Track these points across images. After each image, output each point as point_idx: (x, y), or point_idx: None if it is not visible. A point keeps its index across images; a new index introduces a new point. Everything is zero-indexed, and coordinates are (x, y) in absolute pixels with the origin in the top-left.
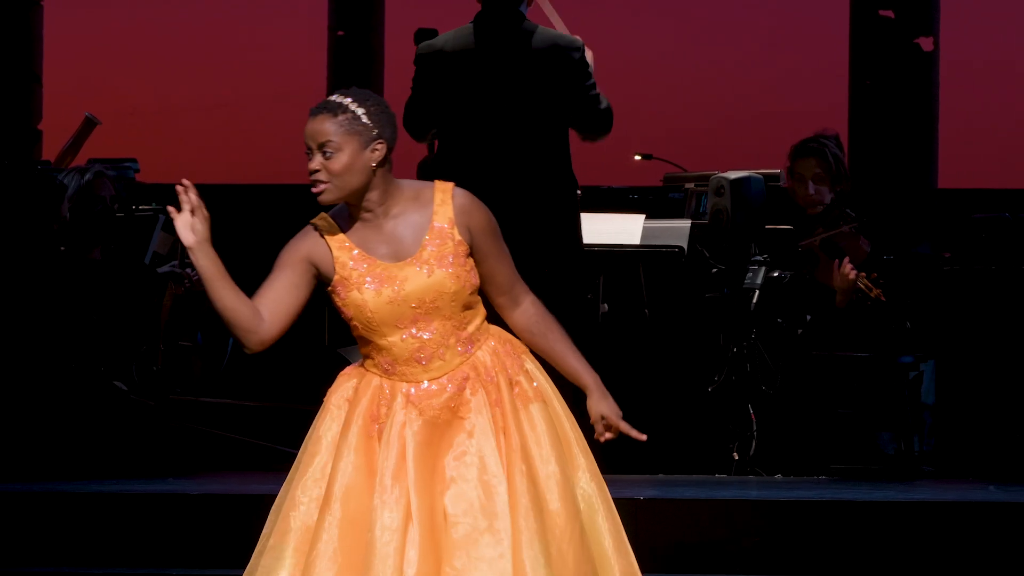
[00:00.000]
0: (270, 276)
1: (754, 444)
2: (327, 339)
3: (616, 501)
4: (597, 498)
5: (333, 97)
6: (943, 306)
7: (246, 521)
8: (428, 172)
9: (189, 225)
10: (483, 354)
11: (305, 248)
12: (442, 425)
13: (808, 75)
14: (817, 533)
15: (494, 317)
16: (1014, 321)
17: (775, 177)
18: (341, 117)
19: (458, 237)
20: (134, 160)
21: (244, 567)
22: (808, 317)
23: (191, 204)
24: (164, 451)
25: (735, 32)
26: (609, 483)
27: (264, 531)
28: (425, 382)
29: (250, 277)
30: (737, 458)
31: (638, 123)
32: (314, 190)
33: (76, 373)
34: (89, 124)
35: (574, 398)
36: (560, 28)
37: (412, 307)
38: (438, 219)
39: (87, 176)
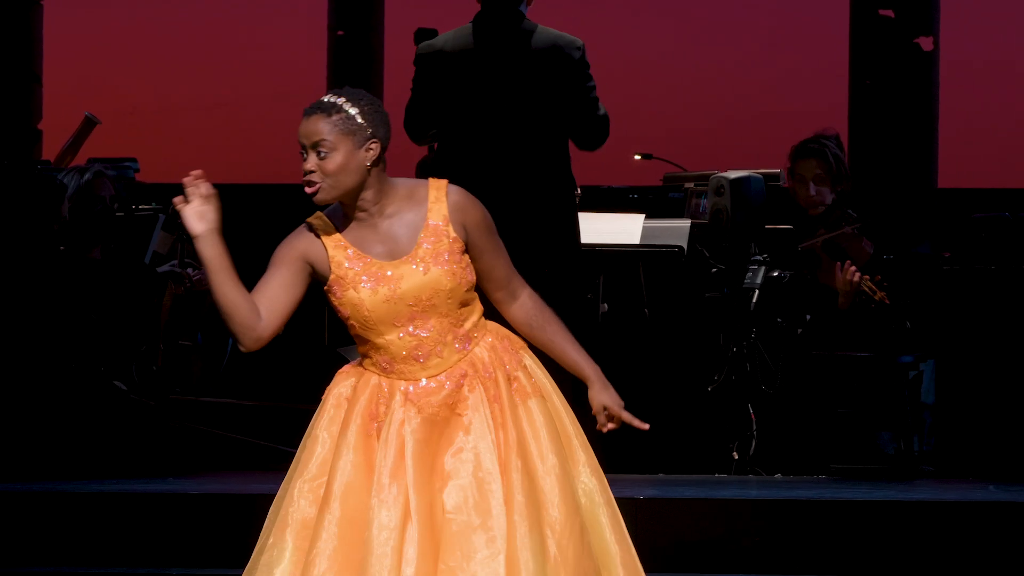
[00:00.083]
0: (266, 274)
1: (754, 444)
2: (327, 338)
3: (616, 500)
4: (598, 493)
5: (326, 97)
6: (943, 306)
7: (246, 521)
8: (427, 172)
9: (198, 213)
10: (481, 351)
11: (301, 247)
12: (441, 422)
13: (808, 75)
14: (817, 533)
15: (493, 313)
16: (1014, 321)
17: (775, 177)
18: (335, 117)
19: (453, 234)
20: (134, 160)
21: (244, 567)
22: (808, 317)
23: (203, 193)
24: (164, 451)
25: (735, 32)
26: (609, 482)
27: (263, 529)
28: (423, 380)
29: (250, 276)
30: (737, 458)
31: (638, 123)
32: (308, 190)
33: (76, 373)
34: (89, 124)
35: (574, 394)
36: None
37: (408, 305)
38: (433, 216)
39: (87, 176)
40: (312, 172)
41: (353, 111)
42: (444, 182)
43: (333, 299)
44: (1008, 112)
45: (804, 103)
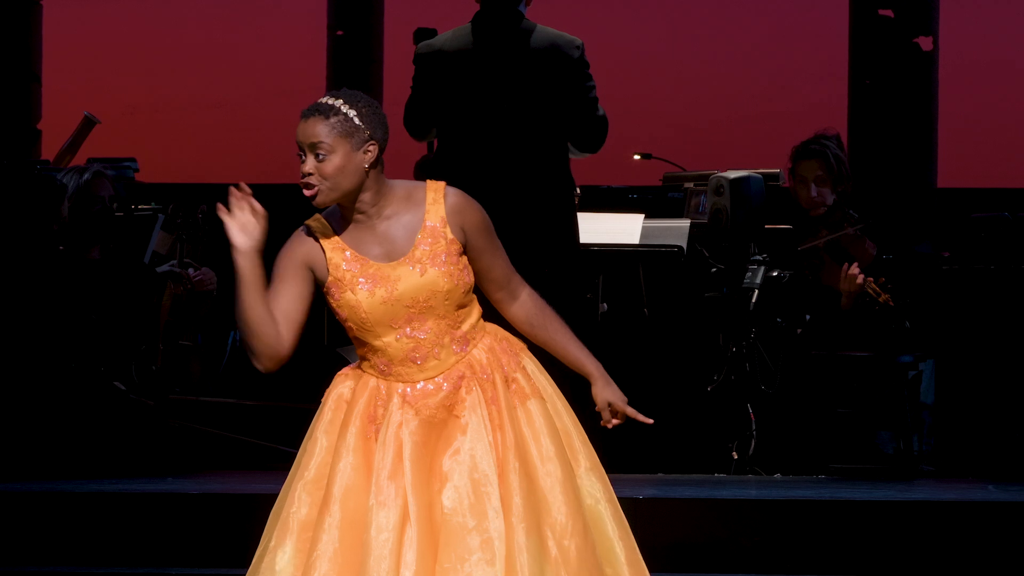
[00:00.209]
0: (273, 288)
1: (753, 443)
2: (326, 338)
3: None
4: (601, 493)
5: (324, 99)
6: (942, 306)
7: (246, 521)
8: (427, 171)
9: (242, 225)
10: (479, 352)
11: (301, 253)
12: (438, 424)
13: (808, 74)
14: (816, 532)
15: (494, 314)
16: (1013, 321)
17: (774, 176)
18: (333, 119)
19: (450, 236)
20: (133, 159)
21: (244, 566)
22: (807, 317)
23: (250, 206)
24: (163, 451)
25: (735, 31)
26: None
27: (265, 532)
28: (421, 382)
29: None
30: (736, 457)
31: (637, 123)
32: (307, 192)
33: (76, 373)
34: (88, 123)
35: (573, 394)
36: None
37: (406, 307)
38: (430, 218)
39: (86, 175)
40: (310, 174)
41: (351, 113)
42: (442, 184)
43: (331, 301)
44: (1008, 112)
45: (803, 103)
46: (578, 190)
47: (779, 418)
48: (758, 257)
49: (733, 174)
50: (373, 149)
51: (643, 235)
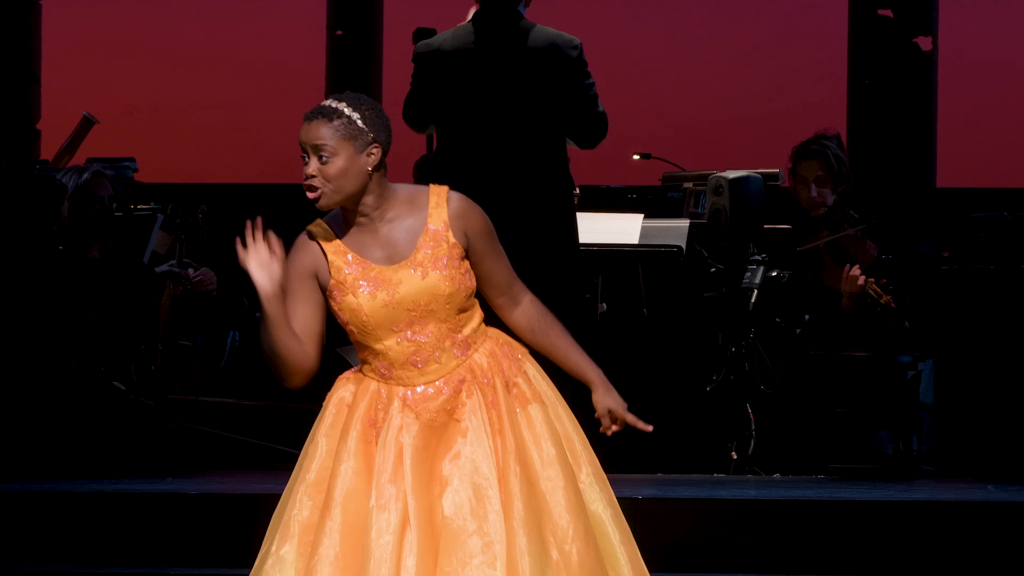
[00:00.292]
0: (290, 305)
1: (752, 443)
2: (326, 339)
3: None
4: (601, 496)
5: (327, 102)
6: (942, 306)
7: (245, 521)
8: (425, 171)
9: (264, 265)
10: (480, 357)
11: (305, 264)
12: (439, 428)
13: (807, 74)
14: (815, 532)
15: (495, 320)
16: (1012, 320)
17: (774, 176)
18: (336, 122)
19: (452, 240)
20: (132, 159)
21: (243, 566)
22: (806, 316)
23: (273, 246)
24: (163, 451)
25: (734, 31)
26: (608, 482)
27: (267, 535)
28: (421, 386)
29: (250, 275)
30: (735, 457)
31: (636, 123)
32: (310, 195)
33: (75, 373)
34: (87, 123)
35: (573, 398)
36: None
37: (407, 310)
38: (432, 222)
39: (85, 175)
40: (313, 177)
41: (355, 116)
42: (445, 188)
43: (332, 304)
44: (1007, 112)
45: (803, 103)
46: (577, 190)
47: (778, 418)
48: (757, 257)
49: (732, 174)
50: (376, 152)
51: (642, 235)
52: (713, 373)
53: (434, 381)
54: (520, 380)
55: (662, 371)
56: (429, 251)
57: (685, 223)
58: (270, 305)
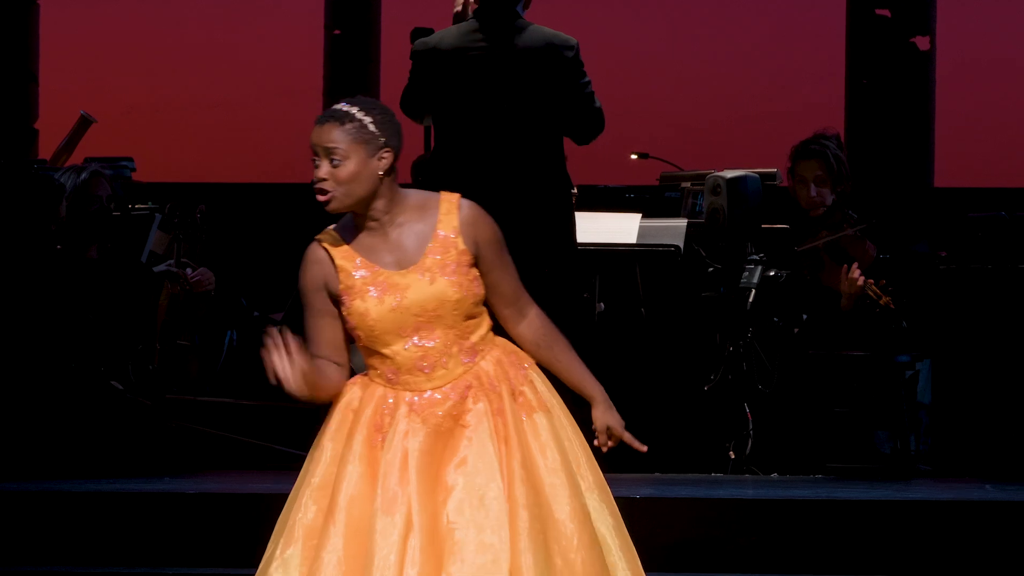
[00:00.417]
0: (312, 325)
1: (750, 443)
2: None
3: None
4: (604, 509)
5: (339, 106)
6: (939, 305)
7: (243, 520)
8: (423, 171)
9: (287, 373)
10: (486, 364)
11: (316, 278)
12: (444, 434)
13: (805, 74)
14: (813, 532)
15: (500, 332)
16: (1010, 320)
17: (772, 176)
18: (348, 126)
19: (462, 246)
20: (130, 159)
21: (242, 566)
22: (804, 316)
23: (294, 349)
24: (161, 451)
25: (732, 31)
26: (606, 481)
27: (272, 538)
28: (428, 391)
29: (248, 275)
30: (733, 457)
31: (634, 122)
32: (320, 199)
33: (73, 372)
34: (85, 123)
35: (572, 409)
36: None
37: (414, 315)
38: (442, 228)
39: (83, 175)
40: (324, 180)
41: (366, 120)
42: (457, 195)
43: (341, 309)
44: (1005, 111)
45: (801, 103)
46: (575, 189)
47: (776, 418)
48: (755, 257)
49: (730, 173)
50: (388, 156)
51: (640, 235)
52: (711, 373)
53: (441, 387)
54: (526, 389)
55: (660, 371)
56: (438, 257)
57: (683, 223)
58: (303, 392)
